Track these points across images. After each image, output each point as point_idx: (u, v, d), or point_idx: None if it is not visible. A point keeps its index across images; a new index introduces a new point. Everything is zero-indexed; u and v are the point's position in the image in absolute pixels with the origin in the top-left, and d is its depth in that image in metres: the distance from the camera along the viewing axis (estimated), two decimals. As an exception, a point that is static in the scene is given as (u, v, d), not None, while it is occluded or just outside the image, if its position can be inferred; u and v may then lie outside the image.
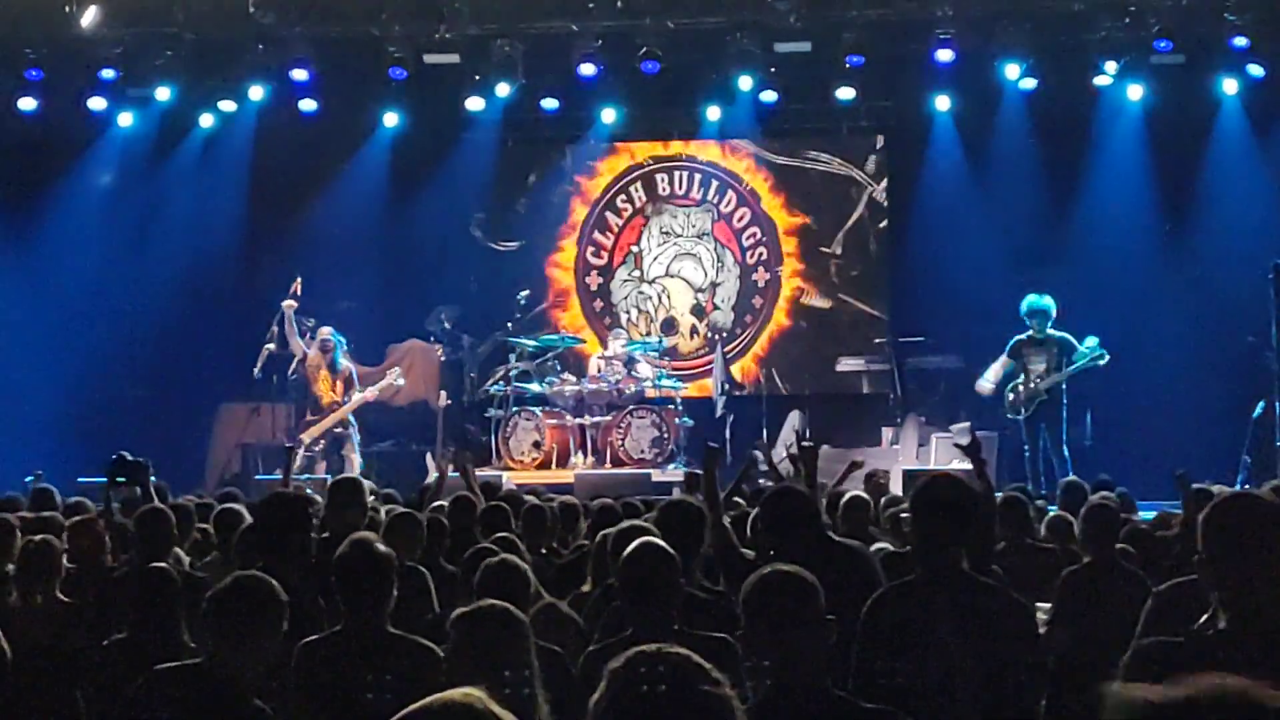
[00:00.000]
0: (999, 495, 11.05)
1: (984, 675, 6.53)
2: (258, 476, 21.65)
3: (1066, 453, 20.92)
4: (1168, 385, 22.75)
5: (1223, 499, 5.32)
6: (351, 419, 22.28)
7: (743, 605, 5.73)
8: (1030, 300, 21.44)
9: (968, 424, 19.98)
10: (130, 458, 10.62)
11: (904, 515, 10.48)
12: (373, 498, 12.29)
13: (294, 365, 23.00)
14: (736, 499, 12.44)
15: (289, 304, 22.27)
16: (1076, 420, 22.18)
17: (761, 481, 20.79)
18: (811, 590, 5.62)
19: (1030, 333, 21.38)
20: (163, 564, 8.38)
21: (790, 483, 9.33)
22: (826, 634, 5.59)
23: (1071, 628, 9.21)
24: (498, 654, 5.71)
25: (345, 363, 22.38)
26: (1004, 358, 21.51)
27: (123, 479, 10.79)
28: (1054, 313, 21.42)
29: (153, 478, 11.00)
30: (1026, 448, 21.23)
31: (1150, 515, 13.09)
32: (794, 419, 23.28)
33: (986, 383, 21.69)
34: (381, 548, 7.10)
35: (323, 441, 22.10)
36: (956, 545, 6.80)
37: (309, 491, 14.91)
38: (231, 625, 6.40)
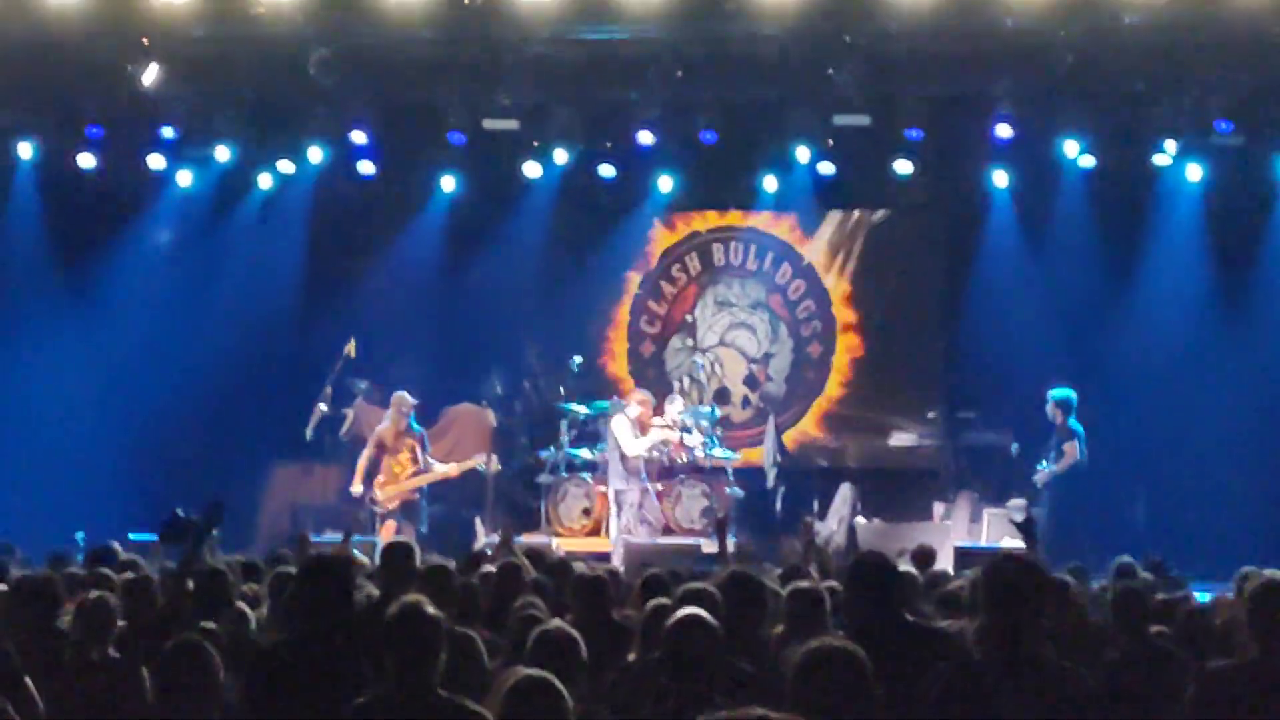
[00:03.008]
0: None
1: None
2: (314, 538, 21.61)
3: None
4: (1224, 466, 22.60)
5: (1270, 581, 5.26)
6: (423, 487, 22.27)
7: (791, 679, 5.66)
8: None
9: (1023, 501, 19.95)
10: (182, 515, 10.57)
11: (962, 592, 10.42)
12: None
13: (346, 426, 23.03)
14: (784, 569, 12.38)
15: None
16: (1129, 499, 22.19)
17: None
18: (860, 666, 5.55)
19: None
20: (212, 625, 8.33)
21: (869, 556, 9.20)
22: (874, 710, 5.51)
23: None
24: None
25: (418, 427, 22.38)
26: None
27: (178, 536, 10.73)
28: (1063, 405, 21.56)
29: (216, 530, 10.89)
30: None
31: (1205, 597, 12.98)
32: (845, 492, 23.16)
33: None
34: (432, 610, 7.06)
35: (396, 503, 22.02)
36: (1029, 629, 6.65)
37: (356, 553, 14.92)
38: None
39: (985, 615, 6.78)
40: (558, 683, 5.93)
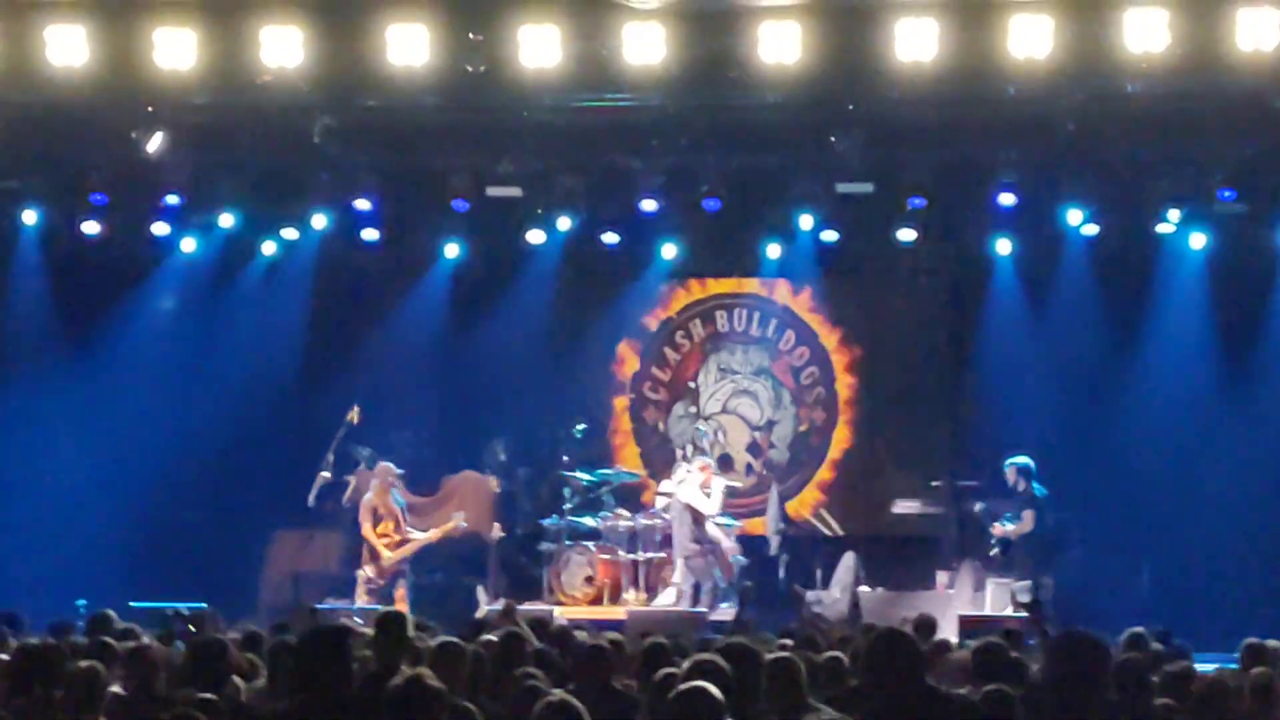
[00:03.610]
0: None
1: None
2: (318, 605, 21.57)
3: None
4: (1229, 534, 22.57)
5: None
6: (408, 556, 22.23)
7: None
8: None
9: (1028, 583, 20.05)
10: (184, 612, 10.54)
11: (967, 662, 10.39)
12: (420, 631, 12.22)
13: (348, 493, 22.99)
14: (784, 639, 12.35)
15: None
16: (1132, 567, 22.23)
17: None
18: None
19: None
20: (211, 696, 8.29)
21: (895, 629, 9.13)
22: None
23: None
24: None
25: (400, 499, 22.33)
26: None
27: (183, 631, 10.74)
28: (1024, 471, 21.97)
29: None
30: None
31: (1210, 668, 12.90)
32: (849, 560, 23.11)
33: None
34: (434, 683, 7.03)
35: (389, 575, 21.97)
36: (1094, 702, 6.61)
37: (357, 621, 14.89)
38: None
39: (1051, 690, 6.75)
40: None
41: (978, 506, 22.88)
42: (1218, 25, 18.38)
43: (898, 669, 7.83)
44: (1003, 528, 21.85)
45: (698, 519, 22.27)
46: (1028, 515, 21.66)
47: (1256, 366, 23.46)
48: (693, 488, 22.36)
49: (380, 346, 25.02)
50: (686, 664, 8.22)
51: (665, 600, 22.14)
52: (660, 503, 23.42)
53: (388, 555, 21.73)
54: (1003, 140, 21.76)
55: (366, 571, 21.79)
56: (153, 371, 24.55)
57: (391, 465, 22.15)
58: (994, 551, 21.86)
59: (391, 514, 21.99)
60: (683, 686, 6.82)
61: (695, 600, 22.06)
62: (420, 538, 22.13)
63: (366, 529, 21.85)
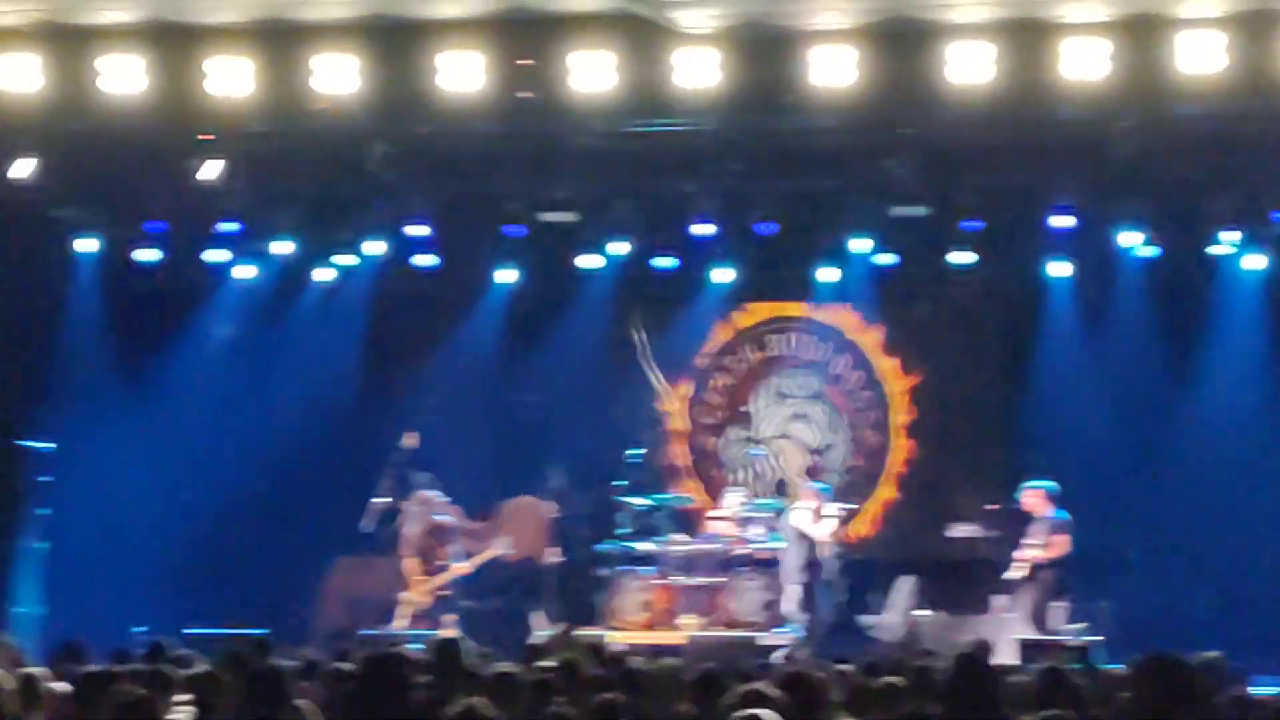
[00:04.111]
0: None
1: None
2: (364, 631, 21.63)
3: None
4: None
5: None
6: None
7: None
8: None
9: (1080, 625, 20.13)
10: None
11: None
12: (480, 658, 12.24)
13: (401, 520, 23.08)
14: (841, 664, 12.35)
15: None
16: (1190, 591, 22.14)
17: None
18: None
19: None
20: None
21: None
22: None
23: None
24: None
25: (454, 522, 22.38)
26: None
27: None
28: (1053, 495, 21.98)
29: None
30: None
31: (1272, 691, 12.81)
32: (905, 584, 23.05)
33: None
34: (489, 714, 7.02)
35: (431, 600, 22.02)
36: None
37: (412, 649, 14.88)
38: None
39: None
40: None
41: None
42: (1272, 46, 18.30)
43: (978, 696, 7.81)
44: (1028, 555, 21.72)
45: (812, 545, 22.22)
46: (1061, 540, 21.54)
47: (1316, 387, 23.34)
48: (805, 514, 22.31)
49: (436, 372, 25.08)
50: (739, 690, 8.21)
51: (787, 634, 21.95)
52: (714, 527, 23.41)
53: (427, 583, 21.81)
54: (1057, 162, 21.67)
55: (410, 596, 21.84)
56: (209, 398, 24.66)
57: (431, 494, 22.19)
58: (1015, 574, 21.72)
59: (430, 544, 22.04)
60: (737, 715, 6.81)
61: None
62: (459, 566, 22.17)
63: (408, 562, 21.94)
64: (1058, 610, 22.04)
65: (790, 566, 22.36)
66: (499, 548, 22.67)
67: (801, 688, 7.85)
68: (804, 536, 22.23)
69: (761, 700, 7.37)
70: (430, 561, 21.99)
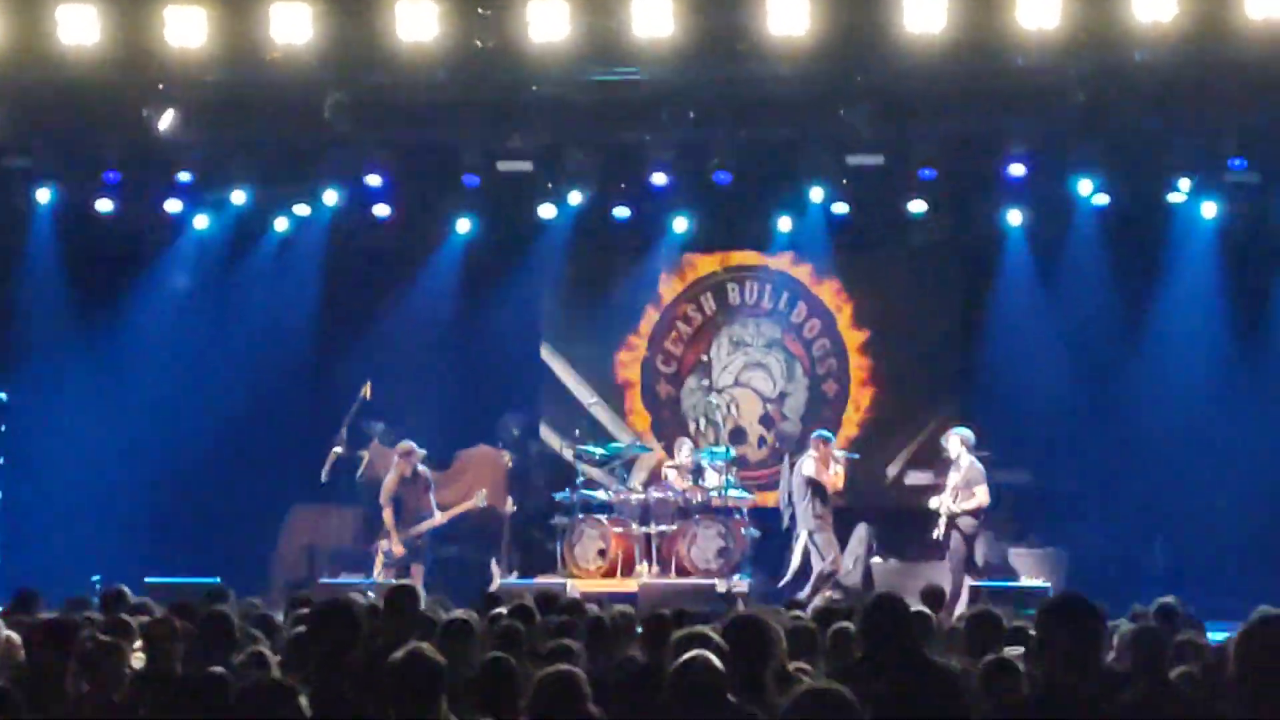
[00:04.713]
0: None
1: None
2: (322, 580, 21.69)
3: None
4: (1241, 503, 22.53)
5: (1256, 619, 5.23)
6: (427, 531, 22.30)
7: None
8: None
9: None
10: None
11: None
12: (436, 606, 12.31)
13: (362, 469, 23.10)
14: (797, 612, 12.43)
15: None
16: (1145, 539, 22.29)
17: (827, 593, 20.85)
18: (849, 708, 5.57)
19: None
20: (220, 669, 8.34)
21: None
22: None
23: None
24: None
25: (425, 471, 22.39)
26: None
27: None
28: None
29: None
30: None
31: (1223, 637, 12.91)
32: (861, 532, 23.17)
33: None
34: (434, 656, 7.08)
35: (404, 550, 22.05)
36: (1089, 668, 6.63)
37: (370, 597, 14.95)
38: None
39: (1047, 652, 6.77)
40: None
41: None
42: (1227, -7, 18.41)
43: (893, 636, 7.88)
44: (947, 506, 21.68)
45: (819, 493, 22.18)
46: (981, 491, 21.51)
47: (1268, 335, 23.43)
48: (812, 463, 22.25)
49: (392, 322, 25.08)
50: (680, 634, 8.28)
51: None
52: (664, 475, 23.50)
53: (405, 533, 21.80)
54: (1012, 111, 21.67)
55: (385, 545, 21.85)
56: (166, 348, 24.61)
57: (414, 445, 22.17)
58: (937, 532, 21.68)
59: (411, 494, 22.03)
60: (684, 656, 6.87)
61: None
62: (438, 516, 22.19)
63: (388, 513, 21.90)
64: (1019, 557, 22.22)
65: (802, 515, 22.28)
66: (476, 499, 22.70)
67: (748, 631, 7.90)
68: (816, 484, 22.14)
69: (703, 643, 7.42)
70: (408, 511, 21.97)
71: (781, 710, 5.70)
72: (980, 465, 21.60)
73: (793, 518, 22.94)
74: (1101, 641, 6.83)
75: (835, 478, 22.22)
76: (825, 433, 22.94)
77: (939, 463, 23.25)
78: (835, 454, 22.52)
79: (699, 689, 6.71)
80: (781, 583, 22.08)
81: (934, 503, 21.66)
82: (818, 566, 21.83)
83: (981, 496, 21.37)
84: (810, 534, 22.07)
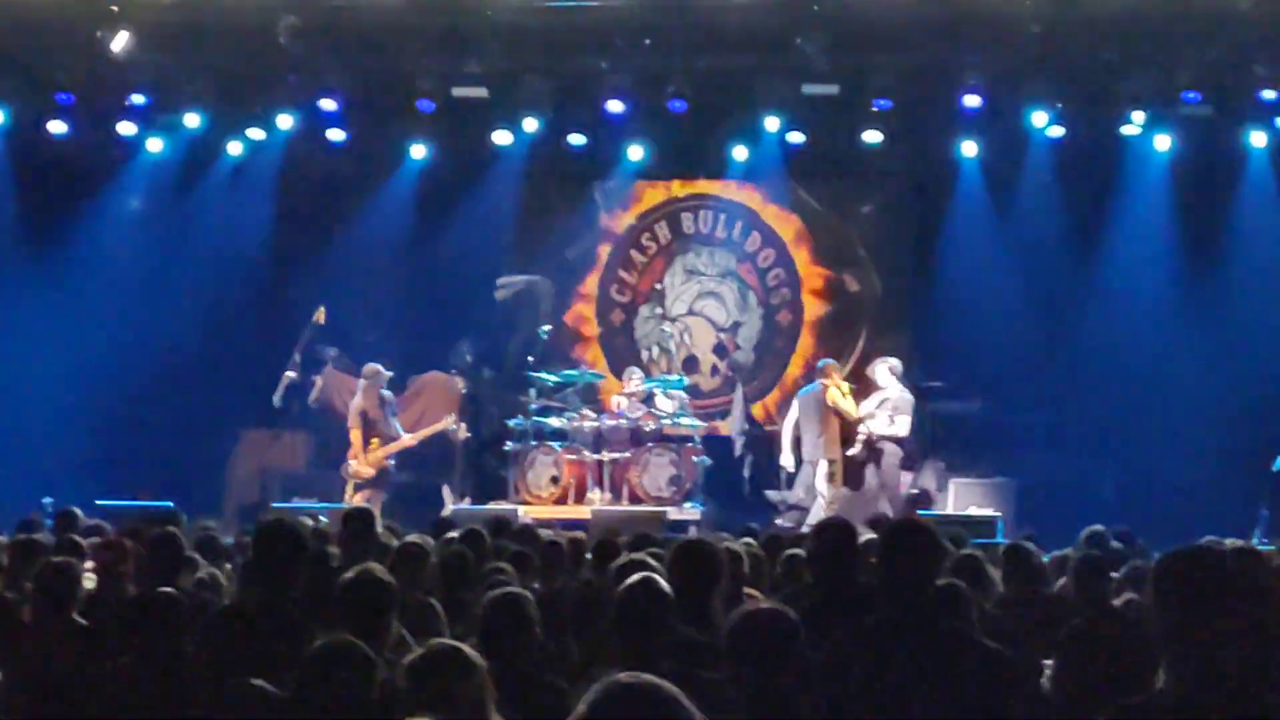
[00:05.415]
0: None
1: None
2: (274, 504, 21.69)
3: None
4: (1192, 436, 22.64)
5: (1176, 551, 5.26)
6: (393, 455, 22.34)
7: (726, 642, 5.72)
8: None
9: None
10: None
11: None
12: (388, 532, 12.36)
13: (314, 393, 23.11)
14: (747, 539, 12.54)
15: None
16: (1096, 471, 22.44)
17: (779, 521, 20.94)
18: (791, 628, 5.62)
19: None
20: (170, 589, 8.36)
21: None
22: (806, 670, 5.57)
23: (1074, 684, 9.02)
24: (449, 697, 5.69)
25: (390, 395, 22.45)
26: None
27: None
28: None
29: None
30: None
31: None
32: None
33: None
34: (384, 576, 7.12)
35: (372, 473, 22.06)
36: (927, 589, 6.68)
37: (323, 520, 14.98)
38: None
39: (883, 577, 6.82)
40: (466, 651, 5.94)
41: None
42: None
43: (835, 560, 7.95)
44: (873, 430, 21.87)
45: (845, 423, 22.17)
46: (903, 421, 21.65)
47: (1220, 267, 23.51)
48: (835, 390, 22.19)
49: (346, 247, 25.01)
50: (622, 560, 8.34)
51: (818, 509, 21.86)
52: (614, 404, 23.53)
53: (374, 455, 21.87)
54: (968, 42, 21.67)
55: (353, 466, 21.91)
56: (118, 272, 24.54)
57: (380, 367, 22.19)
58: (854, 451, 21.84)
59: (380, 416, 22.09)
60: (631, 579, 6.91)
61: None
62: (408, 439, 22.25)
63: (355, 434, 21.96)
64: (968, 486, 22.31)
65: (811, 444, 22.27)
66: (446, 422, 22.75)
67: (694, 557, 7.94)
68: (836, 413, 22.12)
69: (646, 568, 7.46)
70: (376, 433, 22.02)
71: (727, 629, 5.75)
72: (910, 396, 21.76)
73: (744, 445, 23.03)
74: (936, 567, 6.85)
75: (852, 406, 22.25)
76: (831, 360, 23.01)
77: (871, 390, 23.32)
78: (841, 383, 22.57)
79: (643, 612, 6.74)
80: (783, 513, 22.07)
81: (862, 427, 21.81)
82: (829, 495, 21.88)
83: (902, 427, 21.52)
84: (831, 463, 22.09)
